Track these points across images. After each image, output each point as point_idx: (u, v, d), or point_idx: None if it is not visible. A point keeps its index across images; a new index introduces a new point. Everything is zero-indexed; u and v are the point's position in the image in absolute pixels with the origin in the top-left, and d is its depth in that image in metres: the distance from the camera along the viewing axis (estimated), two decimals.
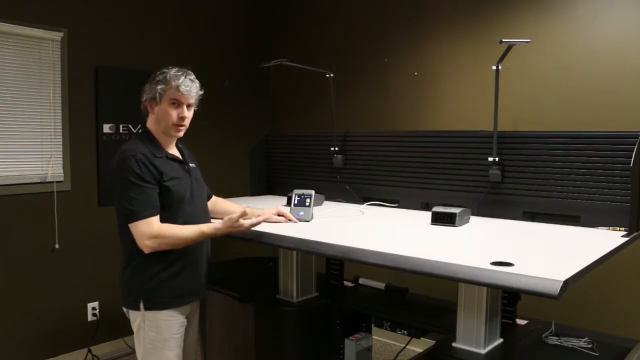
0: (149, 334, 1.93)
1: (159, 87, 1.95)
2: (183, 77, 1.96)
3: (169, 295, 1.95)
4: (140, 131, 2.03)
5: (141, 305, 1.92)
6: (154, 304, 1.93)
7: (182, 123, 1.99)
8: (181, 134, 2.03)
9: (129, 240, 1.91)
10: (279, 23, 4.47)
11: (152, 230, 1.86)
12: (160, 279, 1.92)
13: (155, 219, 1.88)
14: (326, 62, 3.95)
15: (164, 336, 1.93)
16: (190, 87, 1.97)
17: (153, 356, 1.94)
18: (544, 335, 1.95)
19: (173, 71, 1.97)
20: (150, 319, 1.93)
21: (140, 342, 1.96)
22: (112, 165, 1.94)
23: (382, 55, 3.76)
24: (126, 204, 1.86)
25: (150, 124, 2.03)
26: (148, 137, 1.99)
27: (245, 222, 1.96)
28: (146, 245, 1.86)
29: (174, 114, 1.96)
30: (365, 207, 2.66)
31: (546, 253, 1.70)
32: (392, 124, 3.70)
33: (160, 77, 1.96)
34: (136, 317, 1.95)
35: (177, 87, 1.95)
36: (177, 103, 1.97)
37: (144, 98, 1.99)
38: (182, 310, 2.00)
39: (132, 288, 1.95)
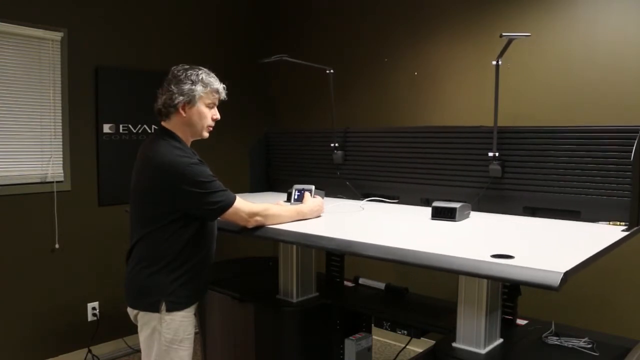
0: (166, 336, 1.88)
1: (197, 88, 1.89)
2: (217, 80, 1.96)
3: (188, 295, 1.92)
4: (164, 134, 1.93)
5: (163, 307, 1.86)
6: (175, 305, 1.88)
7: (213, 125, 1.99)
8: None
9: (159, 240, 1.86)
10: (279, 23, 4.48)
11: (253, 206, 1.96)
12: (184, 279, 1.89)
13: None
14: (326, 62, 3.91)
15: (179, 337, 1.90)
16: (223, 89, 1.99)
17: (166, 358, 1.89)
18: (544, 335, 1.94)
19: (204, 73, 1.93)
20: (167, 322, 1.87)
21: (154, 344, 1.89)
22: (153, 175, 1.85)
23: (382, 55, 3.76)
24: (212, 199, 1.85)
25: (174, 126, 1.93)
26: (178, 140, 1.92)
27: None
28: (256, 220, 1.96)
29: (209, 116, 1.95)
30: (365, 203, 2.65)
31: (546, 247, 1.69)
32: (392, 123, 3.69)
33: (194, 77, 1.89)
34: (151, 319, 1.88)
35: (217, 90, 1.95)
36: (211, 105, 1.96)
37: (177, 100, 1.88)
38: (192, 309, 1.98)
39: (152, 289, 1.87)
